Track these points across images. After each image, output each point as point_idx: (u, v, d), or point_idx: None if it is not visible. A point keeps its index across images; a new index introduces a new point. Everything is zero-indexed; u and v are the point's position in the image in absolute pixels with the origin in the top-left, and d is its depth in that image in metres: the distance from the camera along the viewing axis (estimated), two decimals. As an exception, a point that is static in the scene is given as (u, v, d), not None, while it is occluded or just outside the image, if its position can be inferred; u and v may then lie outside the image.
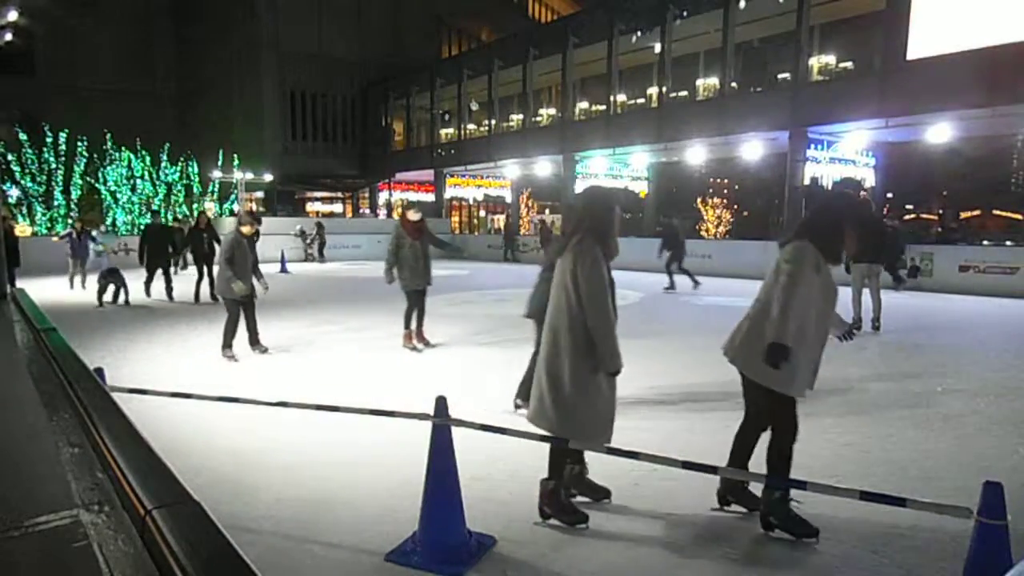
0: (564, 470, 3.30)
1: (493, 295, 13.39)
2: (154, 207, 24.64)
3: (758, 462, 3.27)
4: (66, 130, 26.39)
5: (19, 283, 10.40)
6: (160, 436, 3.13)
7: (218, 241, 11.90)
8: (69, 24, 31.68)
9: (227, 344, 7.14)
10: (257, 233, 7.58)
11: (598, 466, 3.76)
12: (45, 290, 12.85)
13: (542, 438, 2.92)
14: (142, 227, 17.88)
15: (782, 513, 3.09)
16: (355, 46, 33.56)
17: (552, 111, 28.48)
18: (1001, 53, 13.70)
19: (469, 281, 16.55)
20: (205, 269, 12.17)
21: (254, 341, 7.42)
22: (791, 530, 3.07)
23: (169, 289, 12.24)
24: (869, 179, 21.13)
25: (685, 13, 20.63)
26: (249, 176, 28.47)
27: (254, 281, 7.41)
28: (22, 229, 24.59)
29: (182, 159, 28.97)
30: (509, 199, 32.37)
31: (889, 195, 26.97)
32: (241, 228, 7.31)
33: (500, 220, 32.95)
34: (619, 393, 3.26)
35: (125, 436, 1.31)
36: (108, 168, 27.35)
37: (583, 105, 27.13)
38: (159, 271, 12.25)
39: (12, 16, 21.33)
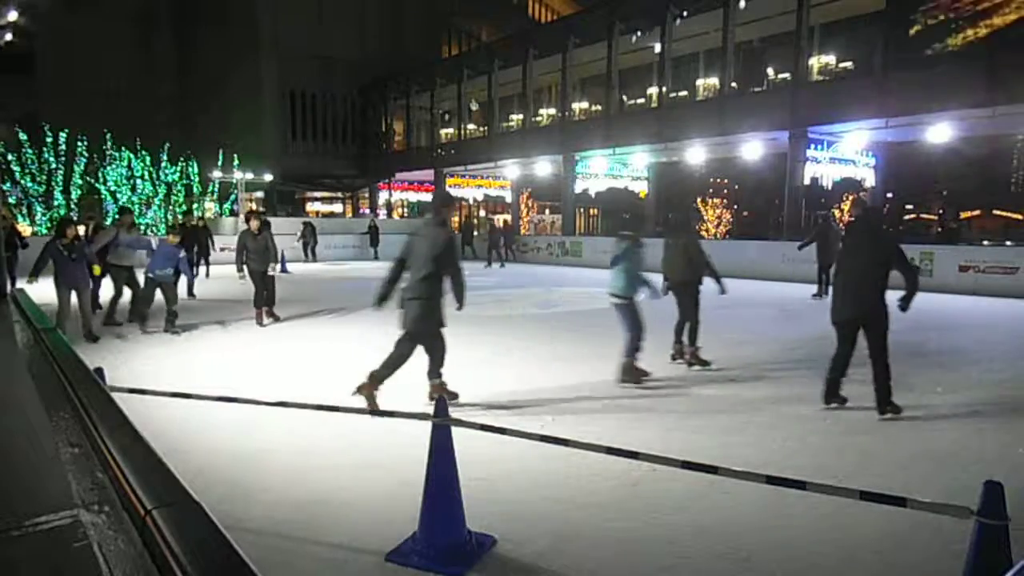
0: None
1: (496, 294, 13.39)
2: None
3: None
4: (66, 130, 26.34)
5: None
6: (160, 436, 3.12)
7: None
8: (69, 24, 31.61)
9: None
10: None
11: (598, 466, 3.76)
12: (45, 290, 12.80)
13: (542, 438, 2.92)
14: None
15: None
16: (355, 46, 33.48)
17: (552, 111, 28.46)
18: (1001, 52, 13.69)
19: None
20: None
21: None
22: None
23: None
24: (869, 179, 21.14)
25: (685, 13, 20.59)
26: (249, 176, 28.43)
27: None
28: (22, 229, 24.55)
29: (182, 159, 28.91)
30: (509, 199, 32.33)
31: (889, 195, 26.96)
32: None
33: (499, 220, 32.88)
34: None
35: (125, 436, 1.30)
36: (108, 168, 27.32)
37: (583, 105, 27.09)
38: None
39: (12, 16, 21.29)
